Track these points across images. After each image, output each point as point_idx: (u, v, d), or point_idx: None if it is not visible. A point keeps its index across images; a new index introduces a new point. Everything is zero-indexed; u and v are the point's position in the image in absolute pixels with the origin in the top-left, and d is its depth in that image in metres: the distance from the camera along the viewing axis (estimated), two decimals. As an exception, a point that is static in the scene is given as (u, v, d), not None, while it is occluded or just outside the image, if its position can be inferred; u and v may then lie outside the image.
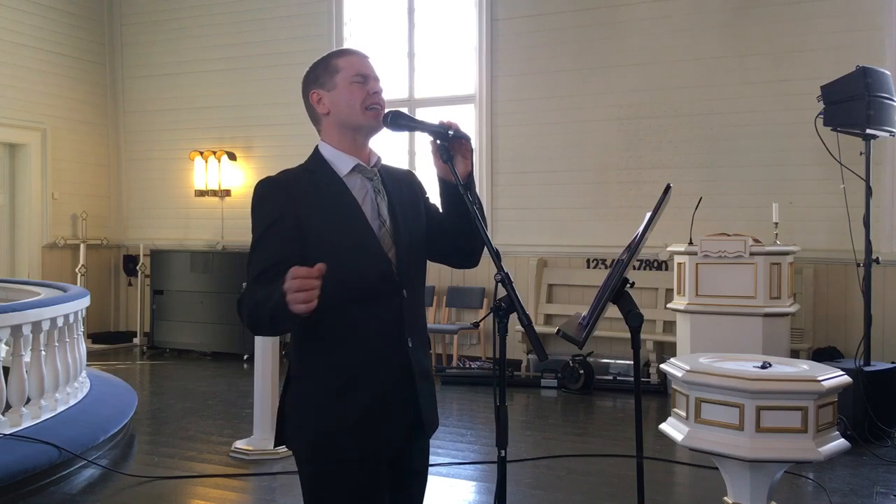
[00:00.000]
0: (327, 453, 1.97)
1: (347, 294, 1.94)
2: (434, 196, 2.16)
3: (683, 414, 2.99)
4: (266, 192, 2.00)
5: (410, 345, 2.02)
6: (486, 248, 1.95)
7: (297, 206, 1.95)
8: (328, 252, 1.91)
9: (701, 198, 6.00)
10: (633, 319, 2.35)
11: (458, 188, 2.00)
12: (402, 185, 2.13)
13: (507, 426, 1.92)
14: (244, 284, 2.01)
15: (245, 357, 8.46)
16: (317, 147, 2.09)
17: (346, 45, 8.17)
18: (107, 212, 9.99)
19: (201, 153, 9.27)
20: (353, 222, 1.98)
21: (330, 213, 1.97)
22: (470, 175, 2.02)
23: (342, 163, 2.03)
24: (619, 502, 4.23)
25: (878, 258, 5.61)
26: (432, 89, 8.48)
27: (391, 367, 2.00)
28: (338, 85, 2.03)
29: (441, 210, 2.13)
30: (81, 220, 9.49)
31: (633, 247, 2.50)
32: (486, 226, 1.97)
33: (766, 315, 5.48)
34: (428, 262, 2.17)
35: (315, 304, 1.70)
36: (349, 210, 1.99)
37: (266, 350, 5.08)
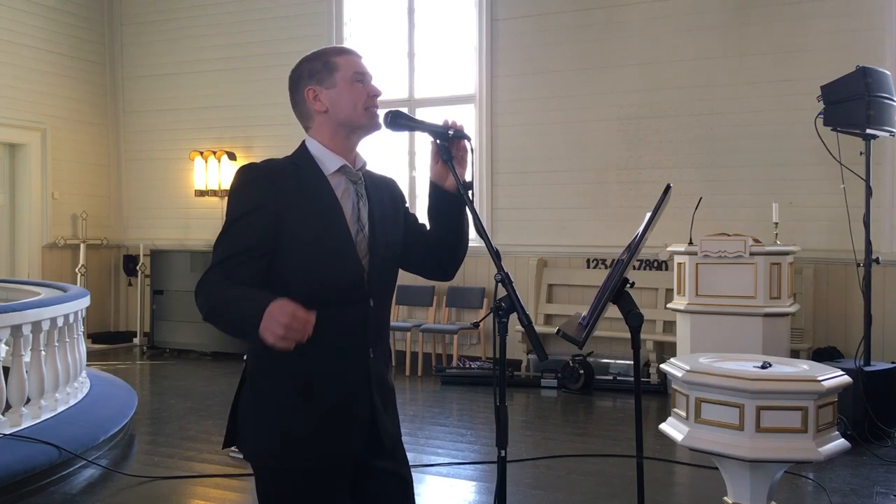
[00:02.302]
0: (283, 460, 1.93)
1: (314, 296, 1.87)
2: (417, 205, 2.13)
3: (683, 414, 2.99)
4: (249, 178, 1.94)
5: (372, 355, 1.98)
6: (487, 249, 1.91)
7: (279, 198, 1.89)
8: (301, 250, 1.89)
9: (701, 198, 6.00)
10: (633, 319, 2.35)
11: (450, 193, 2.00)
12: (383, 191, 2.09)
13: (507, 426, 1.92)
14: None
15: (245, 357, 8.42)
16: (303, 142, 2.04)
17: (346, 46, 8.18)
18: (107, 212, 9.99)
19: (201, 153, 9.27)
20: (332, 224, 1.94)
21: (310, 211, 1.92)
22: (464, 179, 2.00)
23: (329, 161, 1.99)
24: (619, 502, 4.22)
25: (878, 258, 5.61)
26: (432, 89, 8.47)
27: (351, 375, 1.95)
28: (337, 83, 1.98)
29: (428, 218, 2.10)
30: (81, 220, 9.49)
31: (633, 247, 2.50)
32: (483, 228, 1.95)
33: (766, 315, 5.48)
34: (401, 270, 2.13)
35: (291, 346, 1.69)
36: (330, 211, 1.94)
37: (266, 350, 5.07)
